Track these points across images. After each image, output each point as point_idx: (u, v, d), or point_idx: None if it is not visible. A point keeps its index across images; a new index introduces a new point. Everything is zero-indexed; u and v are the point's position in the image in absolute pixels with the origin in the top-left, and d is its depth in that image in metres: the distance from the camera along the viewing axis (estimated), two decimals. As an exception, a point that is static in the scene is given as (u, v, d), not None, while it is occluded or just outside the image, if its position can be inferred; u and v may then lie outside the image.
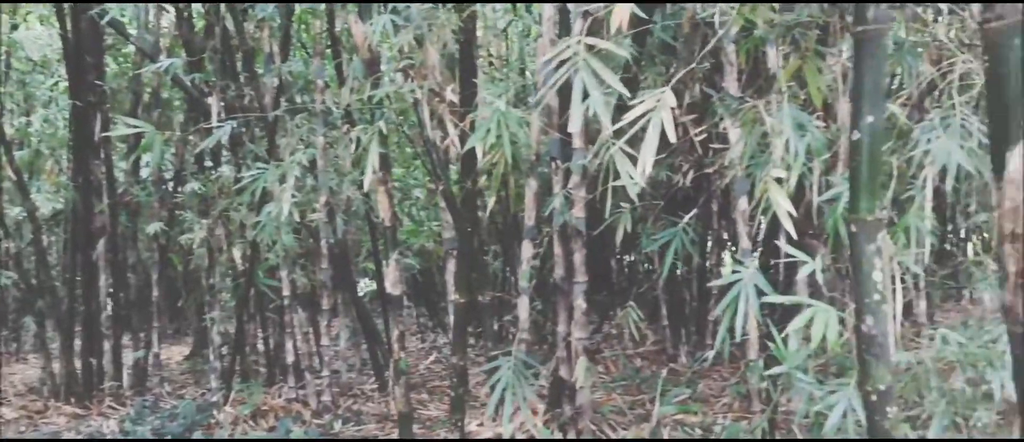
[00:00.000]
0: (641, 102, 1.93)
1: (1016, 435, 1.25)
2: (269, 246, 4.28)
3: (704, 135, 3.71)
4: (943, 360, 2.56)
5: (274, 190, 3.81)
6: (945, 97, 2.53)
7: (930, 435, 2.46)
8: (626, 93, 1.87)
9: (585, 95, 1.83)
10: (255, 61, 4.70)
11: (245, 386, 4.69)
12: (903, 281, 2.40)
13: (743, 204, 3.39)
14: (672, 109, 1.89)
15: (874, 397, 1.83)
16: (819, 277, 2.36)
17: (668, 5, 3.70)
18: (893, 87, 4.25)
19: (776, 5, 2.94)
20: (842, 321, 2.13)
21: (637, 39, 3.81)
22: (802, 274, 2.55)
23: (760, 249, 4.52)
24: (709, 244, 5.24)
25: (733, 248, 5.26)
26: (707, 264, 5.22)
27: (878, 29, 1.80)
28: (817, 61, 2.81)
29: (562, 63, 2.01)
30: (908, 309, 4.69)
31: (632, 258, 6.14)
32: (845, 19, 2.77)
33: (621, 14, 1.79)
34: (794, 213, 2.45)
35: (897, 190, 2.79)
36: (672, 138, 1.75)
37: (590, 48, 1.97)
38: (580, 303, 3.56)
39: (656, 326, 5.46)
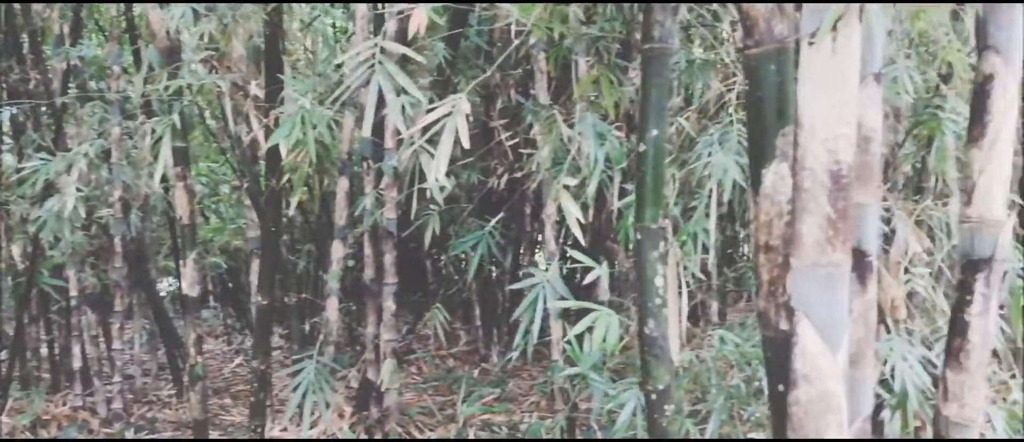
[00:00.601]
0: (441, 106, 1.94)
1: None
2: (53, 243, 3.96)
3: (517, 140, 3.81)
4: (723, 358, 2.75)
5: (59, 182, 3.53)
6: (724, 114, 2.72)
7: (709, 428, 2.63)
8: (420, 97, 1.87)
9: (382, 98, 1.81)
10: (43, 42, 4.33)
11: (25, 394, 4.30)
12: (689, 285, 2.56)
13: (551, 208, 3.49)
14: (470, 114, 1.91)
15: (654, 396, 1.92)
16: (605, 282, 2.46)
17: (480, 9, 3.74)
18: (693, 101, 4.52)
19: (582, 17, 3.05)
20: (624, 323, 2.23)
21: (451, 42, 3.84)
22: (592, 277, 2.65)
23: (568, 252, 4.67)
24: (522, 246, 5.35)
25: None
26: (521, 266, 5.32)
27: (663, 47, 1.90)
28: (615, 74, 2.93)
29: (364, 63, 1.99)
30: (703, 309, 4.99)
31: (445, 260, 6.17)
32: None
33: (419, 18, 1.79)
34: (583, 219, 2.54)
35: (686, 199, 2.98)
36: (466, 143, 1.77)
37: (392, 52, 1.96)
38: (389, 305, 3.55)
39: (469, 327, 5.51)
